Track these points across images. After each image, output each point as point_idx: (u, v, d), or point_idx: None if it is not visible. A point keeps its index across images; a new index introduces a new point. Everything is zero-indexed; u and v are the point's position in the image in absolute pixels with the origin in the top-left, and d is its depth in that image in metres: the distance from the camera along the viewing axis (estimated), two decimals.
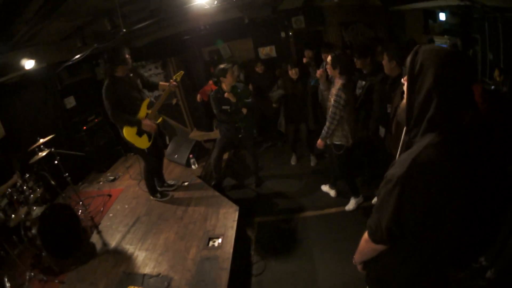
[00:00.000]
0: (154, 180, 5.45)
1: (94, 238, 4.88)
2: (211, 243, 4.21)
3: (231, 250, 3.97)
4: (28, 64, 5.10)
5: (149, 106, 4.88)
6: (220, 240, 4.19)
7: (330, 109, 4.28)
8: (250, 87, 7.12)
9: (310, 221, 4.99)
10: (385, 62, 4.05)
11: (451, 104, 1.43)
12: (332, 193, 5.45)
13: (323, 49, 6.15)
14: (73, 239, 4.67)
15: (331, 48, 5.92)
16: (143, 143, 4.88)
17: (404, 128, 1.66)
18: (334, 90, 4.23)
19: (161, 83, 5.22)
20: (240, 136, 5.47)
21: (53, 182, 5.07)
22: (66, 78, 7.34)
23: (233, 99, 5.11)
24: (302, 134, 6.21)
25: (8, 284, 4.21)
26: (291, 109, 6.03)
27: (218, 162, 5.76)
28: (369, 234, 1.72)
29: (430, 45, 1.51)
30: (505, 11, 4.45)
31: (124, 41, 5.88)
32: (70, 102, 7.34)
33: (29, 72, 5.31)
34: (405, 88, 1.57)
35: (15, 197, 4.40)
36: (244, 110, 5.26)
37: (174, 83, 4.91)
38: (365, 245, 1.80)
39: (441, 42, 6.38)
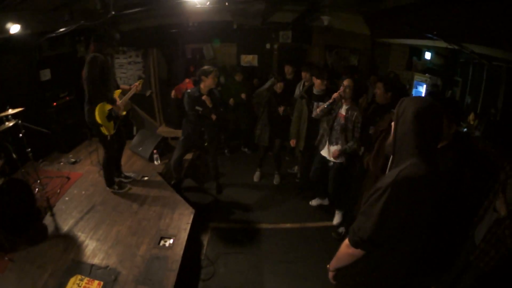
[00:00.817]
0: (112, 170, 5.47)
1: (47, 220, 4.85)
2: (162, 242, 4.30)
3: (181, 252, 4.07)
4: (14, 28, 5.07)
5: (120, 97, 4.98)
6: (171, 241, 4.29)
7: (356, 131, 4.68)
8: (231, 101, 7.25)
9: (264, 234, 5.14)
10: (380, 91, 4.44)
11: (425, 135, 1.82)
12: (326, 201, 5.75)
13: (303, 68, 6.27)
14: (27, 218, 4.66)
15: (312, 68, 6.09)
16: (109, 128, 4.92)
17: (391, 158, 2.03)
18: (349, 114, 4.65)
19: (122, 86, 5.37)
20: (203, 140, 5.58)
21: (14, 156, 5.01)
22: (45, 49, 7.17)
23: (209, 104, 5.22)
24: (275, 150, 6.34)
25: None
26: (277, 124, 6.10)
27: (179, 163, 5.85)
28: (350, 238, 2.00)
29: (413, 96, 1.91)
30: (493, 60, 4.71)
31: (110, 23, 5.87)
32: (45, 75, 7.19)
33: (12, 36, 5.23)
34: (392, 128, 1.97)
35: None
36: (213, 117, 5.35)
37: (138, 85, 5.17)
38: (344, 250, 2.09)
39: (421, 79, 6.63)
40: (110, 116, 4.86)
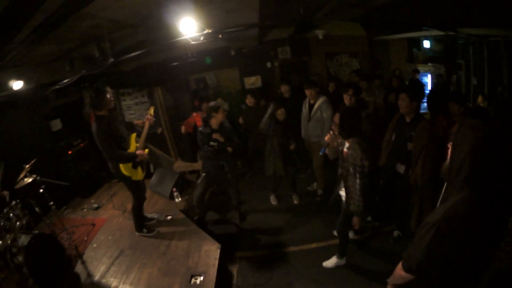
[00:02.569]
0: (142, 215, 5.52)
1: (79, 268, 4.96)
2: (193, 280, 4.33)
3: None
4: (16, 84, 5.23)
5: (136, 140, 5.05)
6: (202, 278, 4.32)
7: (357, 182, 3.91)
8: (241, 120, 7.22)
9: (292, 257, 5.13)
10: (405, 102, 4.33)
11: (481, 170, 1.80)
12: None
13: (305, 85, 6.10)
14: (59, 268, 4.79)
15: (314, 84, 6.06)
16: (139, 174, 5.05)
17: (445, 184, 2.11)
18: (349, 154, 3.94)
19: (135, 122, 5.40)
20: (224, 173, 5.62)
21: (37, 210, 5.15)
22: (53, 100, 7.43)
23: (221, 139, 5.30)
24: (290, 177, 6.34)
25: None
26: (290, 152, 6.05)
27: (201, 199, 5.89)
28: (403, 263, 2.15)
29: (472, 120, 1.91)
30: (490, 37, 4.70)
31: (111, 66, 6.02)
32: (56, 124, 7.44)
33: (16, 92, 5.38)
34: (449, 152, 1.99)
35: (1, 223, 4.50)
36: (230, 149, 5.43)
37: (150, 116, 5.11)
38: (399, 271, 2.21)
39: (425, 70, 6.65)
40: (135, 164, 4.97)
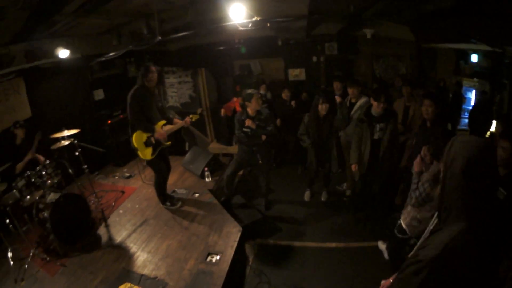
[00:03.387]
0: (163, 189, 5.62)
1: (101, 231, 5.13)
2: (209, 258, 4.37)
3: (227, 269, 4.11)
4: (63, 53, 5.42)
5: (162, 127, 5.14)
6: (218, 257, 4.35)
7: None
8: (278, 121, 7.07)
9: (310, 252, 5.06)
10: (431, 108, 4.25)
11: (476, 195, 1.54)
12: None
13: (349, 83, 5.92)
14: (82, 228, 4.96)
15: (357, 83, 5.89)
16: (146, 154, 5.08)
17: (435, 214, 1.85)
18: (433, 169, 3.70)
19: (175, 119, 5.47)
20: (256, 160, 5.61)
21: (70, 171, 5.34)
22: (97, 71, 7.70)
23: (252, 126, 5.28)
24: (326, 170, 6.11)
25: (10, 254, 4.49)
26: (319, 149, 5.81)
27: (231, 180, 5.88)
28: None
29: (463, 136, 1.63)
30: None
31: (158, 44, 6.12)
32: (99, 94, 7.75)
33: (63, 60, 5.58)
34: (440, 178, 1.71)
35: (33, 180, 4.69)
36: (263, 137, 5.41)
37: (188, 120, 5.25)
38: None
39: (470, 85, 6.40)
40: (148, 143, 5.03)
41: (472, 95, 6.43)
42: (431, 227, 1.92)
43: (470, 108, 7.30)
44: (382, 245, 4.89)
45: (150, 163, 5.23)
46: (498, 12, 4.05)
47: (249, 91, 5.28)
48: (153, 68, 4.87)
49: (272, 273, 4.60)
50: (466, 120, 7.23)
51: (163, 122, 5.15)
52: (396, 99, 6.46)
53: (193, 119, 5.35)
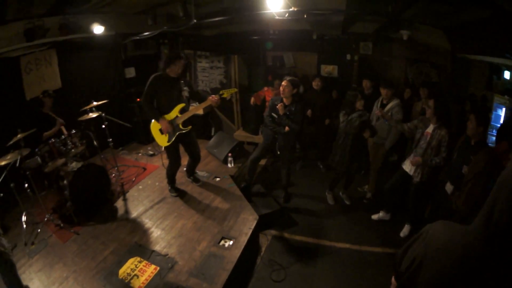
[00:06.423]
0: (172, 177, 5.51)
1: (119, 204, 5.18)
2: (222, 242, 4.32)
3: (238, 255, 4.05)
4: (98, 29, 5.51)
5: (182, 111, 4.96)
6: (231, 242, 4.30)
7: (441, 150, 4.53)
8: (309, 112, 6.63)
9: (322, 249, 4.98)
10: (472, 125, 4.01)
11: None
12: (387, 216, 5.56)
13: (382, 84, 5.80)
14: (100, 199, 5.01)
15: (391, 85, 5.75)
16: (162, 141, 5.04)
17: None
18: (435, 131, 4.55)
19: (191, 107, 5.22)
20: (276, 146, 5.57)
21: (95, 143, 5.38)
22: (130, 49, 7.78)
23: (281, 111, 5.23)
24: (352, 171, 5.93)
25: (24, 218, 4.58)
26: (355, 145, 5.55)
27: (254, 164, 5.82)
28: None
29: None
30: None
31: (192, 28, 6.08)
32: (130, 72, 7.84)
33: (97, 36, 5.65)
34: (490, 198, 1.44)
35: (57, 145, 4.76)
36: (286, 128, 5.33)
37: (216, 98, 4.85)
38: None
39: (501, 101, 6.17)
40: (162, 131, 4.95)
41: (502, 113, 6.14)
42: None
43: (499, 125, 7.01)
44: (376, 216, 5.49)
45: (166, 149, 5.21)
46: None
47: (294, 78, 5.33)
48: (179, 60, 4.73)
49: (281, 266, 4.57)
50: (494, 138, 6.95)
51: (181, 105, 4.95)
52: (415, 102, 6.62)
53: (225, 95, 5.04)
